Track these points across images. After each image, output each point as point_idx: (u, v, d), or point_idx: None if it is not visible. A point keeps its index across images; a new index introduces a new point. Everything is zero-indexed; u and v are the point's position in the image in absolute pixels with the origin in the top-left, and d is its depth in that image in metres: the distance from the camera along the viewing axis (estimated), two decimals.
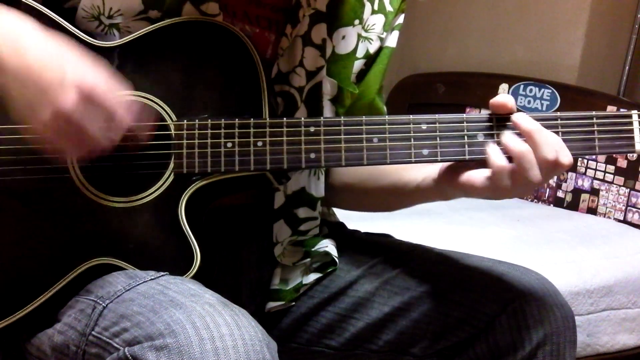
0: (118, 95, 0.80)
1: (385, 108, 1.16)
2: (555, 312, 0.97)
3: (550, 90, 2.48)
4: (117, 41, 0.91)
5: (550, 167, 0.87)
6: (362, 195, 1.14)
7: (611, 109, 2.33)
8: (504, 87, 2.59)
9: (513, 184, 0.87)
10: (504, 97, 0.90)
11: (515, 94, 2.56)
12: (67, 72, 0.76)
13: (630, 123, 0.90)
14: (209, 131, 0.89)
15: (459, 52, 2.93)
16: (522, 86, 2.55)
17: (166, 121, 0.90)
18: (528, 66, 2.68)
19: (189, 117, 0.90)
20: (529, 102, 2.53)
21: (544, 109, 2.49)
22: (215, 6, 0.92)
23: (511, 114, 0.89)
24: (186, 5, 0.92)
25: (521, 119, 0.88)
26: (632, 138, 0.90)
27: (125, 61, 0.91)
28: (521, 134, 0.87)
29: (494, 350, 0.97)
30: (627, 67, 2.53)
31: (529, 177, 0.86)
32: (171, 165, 0.89)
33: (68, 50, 0.79)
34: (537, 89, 2.51)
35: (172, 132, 0.89)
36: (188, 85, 0.91)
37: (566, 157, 0.87)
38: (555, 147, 0.87)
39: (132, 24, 0.92)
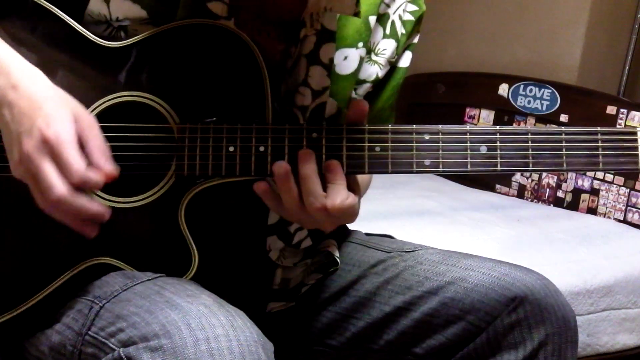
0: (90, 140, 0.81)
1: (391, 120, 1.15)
2: (557, 312, 0.96)
3: (550, 90, 2.48)
4: (122, 42, 0.91)
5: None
6: None
7: (611, 109, 2.32)
8: (504, 87, 2.59)
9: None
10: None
11: (515, 94, 2.56)
12: (39, 116, 0.79)
13: (635, 140, 0.89)
14: (211, 135, 0.88)
15: (459, 52, 2.93)
16: (522, 86, 2.55)
17: (169, 123, 0.89)
18: (528, 66, 2.67)
19: (192, 119, 0.89)
20: (529, 102, 2.53)
21: (544, 109, 2.49)
22: (228, 23, 0.91)
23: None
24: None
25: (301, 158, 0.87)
26: (637, 155, 0.89)
27: (130, 62, 0.90)
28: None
29: (495, 351, 0.97)
30: (627, 67, 2.53)
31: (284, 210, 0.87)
32: (173, 167, 0.89)
33: (49, 93, 0.82)
34: (537, 89, 2.51)
35: (175, 134, 0.89)
36: (192, 88, 0.90)
37: (330, 200, 0.85)
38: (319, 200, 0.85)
39: (140, 27, 0.91)
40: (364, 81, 1.05)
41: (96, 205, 0.81)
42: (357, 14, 0.96)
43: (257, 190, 0.87)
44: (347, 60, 1.01)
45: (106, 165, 0.81)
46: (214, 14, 0.90)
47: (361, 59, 1.02)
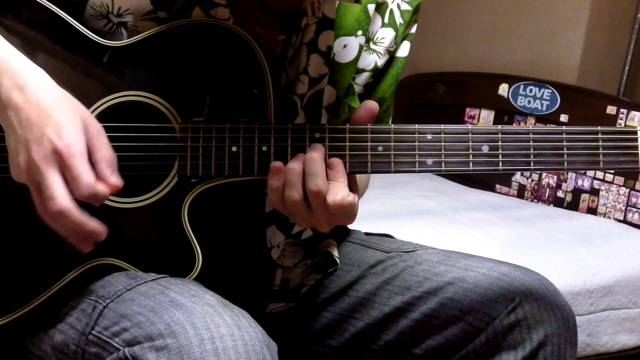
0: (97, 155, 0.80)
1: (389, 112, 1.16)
2: (556, 313, 0.97)
3: (550, 90, 2.48)
4: (124, 41, 0.91)
5: (314, 198, 0.85)
6: None
7: (611, 109, 2.33)
8: (504, 87, 2.59)
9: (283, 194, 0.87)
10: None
11: (515, 94, 2.56)
12: (49, 125, 0.78)
13: (635, 139, 0.90)
14: (214, 135, 0.89)
15: (459, 52, 2.93)
16: (522, 86, 2.55)
17: (171, 123, 0.89)
18: (528, 66, 2.67)
19: (194, 119, 0.89)
20: (529, 102, 2.53)
21: (544, 109, 2.49)
22: (225, 11, 0.92)
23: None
24: (195, 9, 0.91)
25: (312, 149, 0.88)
26: (637, 154, 0.90)
27: (132, 61, 0.91)
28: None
29: (494, 351, 0.97)
30: (627, 67, 2.53)
31: (285, 193, 0.86)
32: (175, 168, 0.89)
33: (57, 99, 0.81)
34: (537, 89, 2.51)
35: (177, 134, 0.89)
36: (194, 87, 0.90)
37: (331, 195, 0.85)
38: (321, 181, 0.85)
39: (141, 24, 0.91)
40: (362, 70, 1.06)
41: (95, 223, 0.79)
42: (357, 0, 0.96)
43: (273, 166, 0.87)
44: (346, 48, 1.02)
45: (112, 178, 0.80)
46: (213, 2, 0.91)
47: (360, 47, 1.03)
